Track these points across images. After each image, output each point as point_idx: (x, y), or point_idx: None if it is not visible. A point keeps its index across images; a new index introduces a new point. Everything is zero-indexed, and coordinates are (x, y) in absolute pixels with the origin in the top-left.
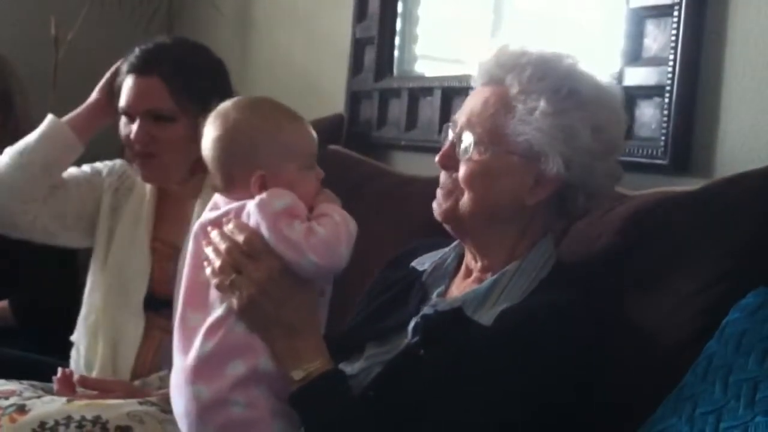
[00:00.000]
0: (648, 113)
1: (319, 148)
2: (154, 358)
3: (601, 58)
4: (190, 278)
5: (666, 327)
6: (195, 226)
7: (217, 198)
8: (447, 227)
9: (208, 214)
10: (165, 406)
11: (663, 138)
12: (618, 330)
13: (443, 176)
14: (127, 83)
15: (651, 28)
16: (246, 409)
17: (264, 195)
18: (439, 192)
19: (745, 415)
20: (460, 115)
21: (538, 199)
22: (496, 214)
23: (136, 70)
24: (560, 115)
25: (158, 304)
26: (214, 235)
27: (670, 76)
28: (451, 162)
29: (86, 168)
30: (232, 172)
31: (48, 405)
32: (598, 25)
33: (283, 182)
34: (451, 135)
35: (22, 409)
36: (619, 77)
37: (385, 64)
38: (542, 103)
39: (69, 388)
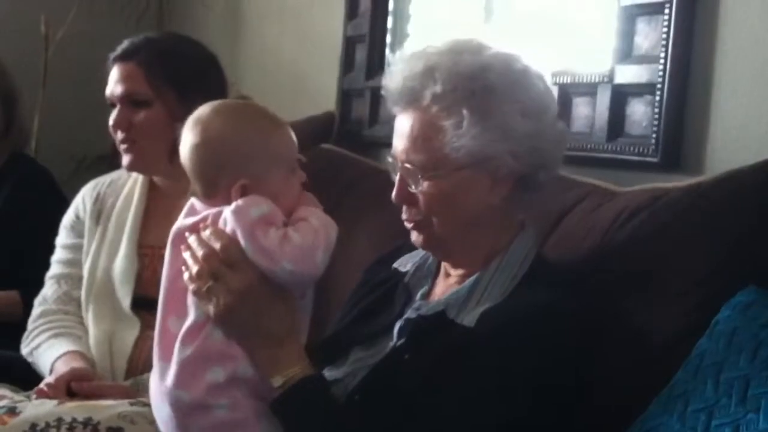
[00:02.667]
0: (639, 111)
1: (311, 147)
2: (148, 357)
3: (592, 56)
4: (169, 284)
5: (656, 325)
6: (172, 232)
7: (195, 202)
8: (431, 253)
9: (184, 220)
10: None
11: (654, 135)
12: (605, 329)
13: (406, 212)
14: (111, 73)
15: (642, 26)
16: (230, 410)
17: (240, 202)
18: (410, 227)
19: (736, 412)
20: (396, 150)
21: (501, 195)
22: (468, 225)
23: (118, 58)
24: (486, 118)
25: (151, 305)
26: (192, 240)
27: (661, 73)
28: (408, 196)
29: (69, 245)
30: (215, 181)
31: (39, 407)
32: (590, 23)
33: (268, 189)
34: (395, 170)
35: (12, 411)
36: (611, 75)
37: (376, 62)
38: (465, 112)
39: (59, 392)
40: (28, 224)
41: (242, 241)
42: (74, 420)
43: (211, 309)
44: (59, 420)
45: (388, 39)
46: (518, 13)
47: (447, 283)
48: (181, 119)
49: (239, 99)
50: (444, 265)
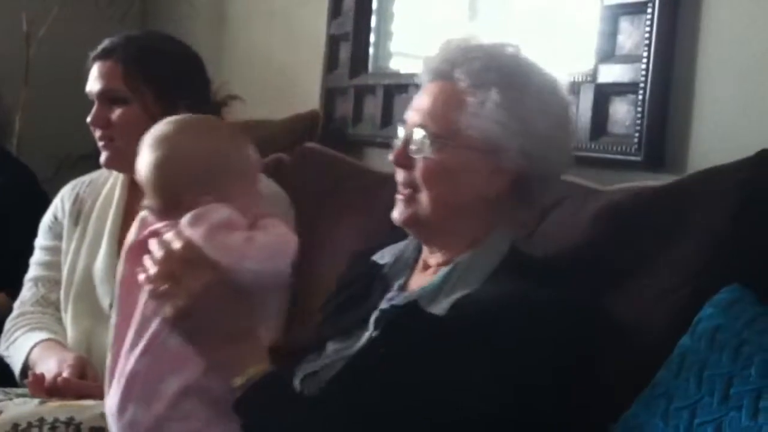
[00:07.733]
0: (622, 110)
1: (295, 145)
2: None
3: (575, 56)
4: (123, 300)
5: (639, 323)
6: (123, 249)
7: (146, 218)
8: (409, 231)
9: (137, 237)
10: None
11: (637, 135)
12: (588, 327)
13: (400, 175)
14: (91, 70)
15: (625, 25)
16: (182, 423)
17: (200, 209)
18: (398, 198)
19: (719, 410)
20: (411, 113)
21: (495, 189)
22: (456, 210)
23: (97, 56)
24: (513, 106)
25: None
26: (152, 243)
27: (644, 73)
28: (406, 160)
29: (47, 247)
30: (178, 197)
31: (21, 407)
32: (573, 23)
33: (231, 204)
34: (402, 133)
35: None
36: (594, 74)
37: (360, 60)
38: (493, 95)
39: (41, 391)
40: (12, 224)
41: (202, 243)
42: (56, 420)
43: (168, 311)
44: (41, 420)
45: (372, 38)
46: (502, 13)
47: (423, 276)
48: (159, 118)
49: (228, 99)
50: (423, 257)
